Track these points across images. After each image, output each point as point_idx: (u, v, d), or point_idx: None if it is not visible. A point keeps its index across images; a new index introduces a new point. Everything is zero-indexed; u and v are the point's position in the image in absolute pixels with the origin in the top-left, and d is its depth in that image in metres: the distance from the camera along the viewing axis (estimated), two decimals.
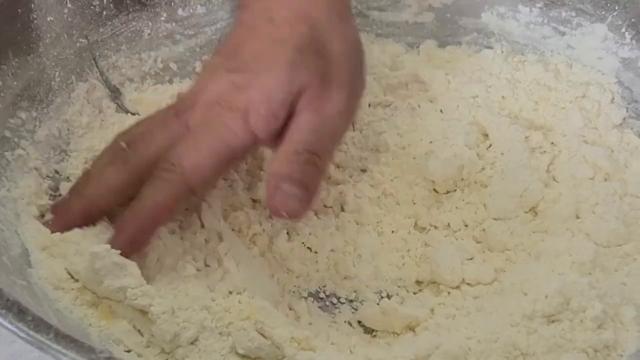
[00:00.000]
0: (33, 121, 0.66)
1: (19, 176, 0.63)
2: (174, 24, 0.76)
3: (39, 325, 0.49)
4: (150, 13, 0.75)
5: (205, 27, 0.77)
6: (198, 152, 0.61)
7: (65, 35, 0.70)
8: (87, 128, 0.69)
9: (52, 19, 0.69)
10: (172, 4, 0.76)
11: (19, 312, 0.50)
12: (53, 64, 0.69)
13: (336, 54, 0.64)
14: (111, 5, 0.73)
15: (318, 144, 0.61)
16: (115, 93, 0.72)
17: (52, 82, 0.69)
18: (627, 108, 0.72)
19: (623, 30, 0.73)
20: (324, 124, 0.62)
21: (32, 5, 0.67)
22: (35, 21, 0.68)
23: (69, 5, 0.71)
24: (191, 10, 0.77)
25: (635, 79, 0.72)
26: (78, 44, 0.71)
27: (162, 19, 0.76)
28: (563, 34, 0.76)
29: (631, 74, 0.73)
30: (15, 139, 0.65)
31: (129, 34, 0.74)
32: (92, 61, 0.71)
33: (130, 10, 0.74)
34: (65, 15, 0.70)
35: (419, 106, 0.73)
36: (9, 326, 0.49)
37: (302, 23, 0.64)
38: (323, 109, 0.62)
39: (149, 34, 0.75)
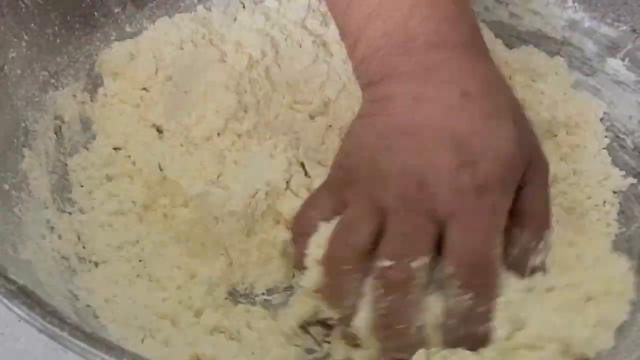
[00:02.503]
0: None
1: None
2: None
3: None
4: (100, 34, 0.71)
5: None
6: None
7: (29, 71, 0.65)
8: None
9: (14, 55, 0.64)
10: (119, 21, 0.72)
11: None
12: (24, 103, 0.64)
13: None
14: (63, 31, 0.68)
15: None
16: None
17: (28, 123, 0.64)
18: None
19: None
20: None
21: None
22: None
23: (25, 37, 0.65)
24: (138, 26, 0.73)
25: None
26: (41, 78, 0.66)
27: (112, 38, 0.72)
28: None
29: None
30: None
31: (84, 59, 0.70)
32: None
33: (81, 33, 0.70)
34: (24, 49, 0.65)
35: None
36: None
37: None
38: None
39: None
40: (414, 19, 0.60)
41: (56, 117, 0.66)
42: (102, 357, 0.45)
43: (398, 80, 0.59)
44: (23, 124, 0.63)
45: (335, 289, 0.57)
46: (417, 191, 0.56)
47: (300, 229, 0.61)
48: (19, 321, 0.49)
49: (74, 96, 0.68)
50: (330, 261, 0.57)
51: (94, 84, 0.70)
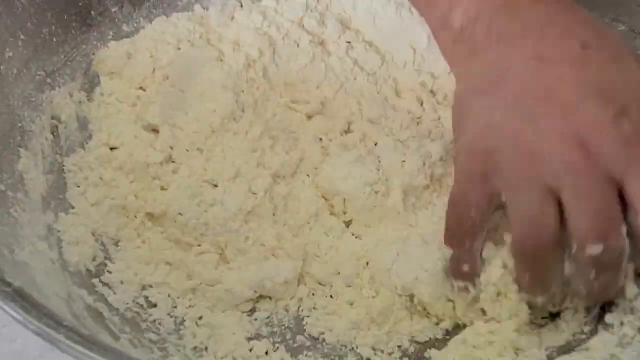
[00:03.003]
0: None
1: None
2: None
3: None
4: (97, 33, 0.71)
5: None
6: None
7: (25, 70, 0.65)
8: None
9: (10, 54, 0.64)
10: (116, 20, 0.72)
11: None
12: (20, 103, 0.64)
13: None
14: (59, 30, 0.68)
15: None
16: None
17: (24, 123, 0.63)
18: None
19: None
20: None
21: None
22: None
23: (21, 36, 0.65)
24: (135, 25, 0.73)
25: None
26: (37, 77, 0.66)
27: (109, 37, 0.71)
28: None
29: None
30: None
31: (80, 58, 0.69)
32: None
33: (78, 33, 0.70)
34: (20, 48, 0.65)
35: None
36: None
37: None
38: None
39: None
40: None
41: (53, 117, 0.66)
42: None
43: (510, 44, 0.57)
44: (19, 124, 0.63)
45: (541, 281, 0.55)
46: (583, 156, 0.53)
47: (462, 233, 0.57)
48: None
49: (71, 95, 0.68)
50: (526, 258, 0.55)
51: (91, 83, 0.69)
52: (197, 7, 0.73)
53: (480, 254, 0.57)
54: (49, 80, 0.67)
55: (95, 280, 0.60)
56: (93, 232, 0.62)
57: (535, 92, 0.55)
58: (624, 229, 0.53)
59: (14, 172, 0.61)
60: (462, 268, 0.57)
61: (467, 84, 0.59)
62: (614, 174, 0.53)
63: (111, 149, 0.66)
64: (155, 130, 0.67)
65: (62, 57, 0.68)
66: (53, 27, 0.68)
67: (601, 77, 0.55)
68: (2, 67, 0.63)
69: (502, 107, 0.56)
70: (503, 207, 0.56)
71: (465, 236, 0.57)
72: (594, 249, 0.52)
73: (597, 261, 0.53)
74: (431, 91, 0.69)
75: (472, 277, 0.57)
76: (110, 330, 0.56)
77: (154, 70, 0.69)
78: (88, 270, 0.60)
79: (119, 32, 0.72)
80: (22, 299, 0.48)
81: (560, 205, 0.54)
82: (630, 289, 0.56)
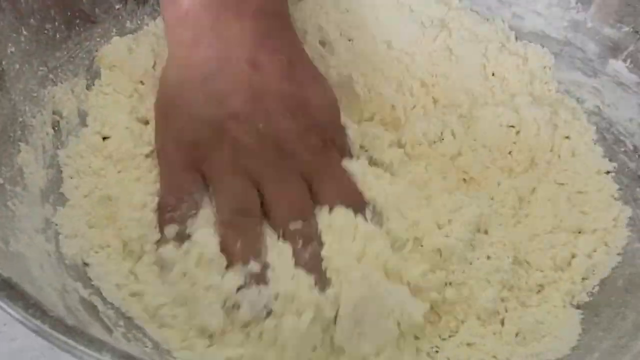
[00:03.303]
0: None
1: None
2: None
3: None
4: (101, 30, 0.72)
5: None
6: None
7: (27, 66, 0.66)
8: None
9: (13, 49, 0.64)
10: (120, 17, 0.73)
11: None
12: (22, 98, 0.64)
13: None
14: (63, 26, 0.69)
15: None
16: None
17: (25, 117, 0.64)
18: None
19: None
20: None
21: None
22: None
23: (24, 32, 0.66)
24: (139, 22, 0.73)
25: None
26: (39, 73, 0.67)
27: (113, 33, 0.72)
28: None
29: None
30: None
31: (83, 55, 0.70)
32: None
33: (81, 29, 0.70)
34: (22, 44, 0.65)
35: None
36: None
37: None
38: None
39: None
40: None
41: (54, 112, 0.67)
42: (81, 350, 0.45)
43: (231, 43, 0.64)
44: (20, 119, 0.63)
45: (253, 247, 0.59)
46: (280, 157, 0.62)
47: (167, 215, 0.61)
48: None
49: (72, 91, 0.68)
50: (237, 228, 0.60)
51: (93, 79, 0.70)
52: None
53: None
54: (51, 76, 0.67)
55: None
56: (88, 223, 0.62)
57: (244, 93, 0.63)
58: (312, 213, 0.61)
59: (14, 166, 0.61)
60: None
61: (181, 72, 0.65)
62: (303, 174, 0.62)
63: (104, 138, 0.67)
64: (146, 123, 0.67)
65: (65, 53, 0.69)
66: (56, 23, 0.68)
67: (300, 92, 0.64)
68: (4, 62, 0.63)
69: (212, 102, 0.63)
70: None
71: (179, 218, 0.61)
72: (296, 225, 0.60)
73: (300, 232, 0.60)
74: None
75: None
76: (104, 324, 0.57)
77: (154, 65, 0.70)
78: (84, 263, 0.61)
79: (123, 29, 0.72)
80: (10, 288, 0.48)
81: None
82: None
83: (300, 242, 0.60)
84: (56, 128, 0.66)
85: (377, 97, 0.71)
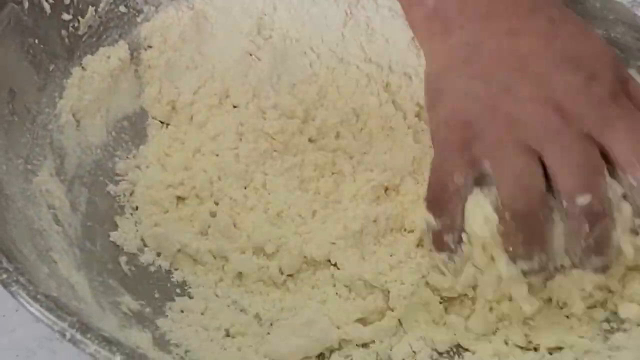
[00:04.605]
0: None
1: None
2: None
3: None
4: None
5: None
6: None
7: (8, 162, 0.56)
8: None
9: None
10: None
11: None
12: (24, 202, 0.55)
13: None
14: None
15: None
16: None
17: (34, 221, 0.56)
18: None
19: None
20: None
21: None
22: None
23: None
24: None
25: None
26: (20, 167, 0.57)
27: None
28: None
29: None
30: None
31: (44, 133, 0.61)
32: None
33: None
34: None
35: None
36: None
37: None
38: None
39: None
40: None
41: (49, 207, 0.58)
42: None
43: (482, 21, 0.61)
44: (34, 226, 0.55)
45: (537, 238, 0.56)
46: (561, 118, 0.57)
47: (445, 200, 0.58)
48: (17, 311, 0.55)
49: (52, 175, 0.60)
50: (519, 217, 0.56)
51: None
52: None
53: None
54: (29, 166, 0.58)
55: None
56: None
57: (509, 63, 0.59)
58: (606, 180, 0.57)
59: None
60: (444, 238, 0.58)
61: (440, 61, 0.62)
62: (592, 133, 0.57)
63: None
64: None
65: (28, 136, 0.59)
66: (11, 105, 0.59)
67: (569, 47, 0.60)
68: None
69: (477, 80, 0.59)
70: (482, 179, 0.58)
71: (447, 203, 0.58)
72: (583, 199, 0.55)
73: (589, 211, 0.56)
74: None
75: (455, 247, 0.58)
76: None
77: None
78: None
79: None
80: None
81: (543, 167, 0.57)
82: (628, 249, 0.58)
83: (586, 225, 0.55)
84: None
85: None
